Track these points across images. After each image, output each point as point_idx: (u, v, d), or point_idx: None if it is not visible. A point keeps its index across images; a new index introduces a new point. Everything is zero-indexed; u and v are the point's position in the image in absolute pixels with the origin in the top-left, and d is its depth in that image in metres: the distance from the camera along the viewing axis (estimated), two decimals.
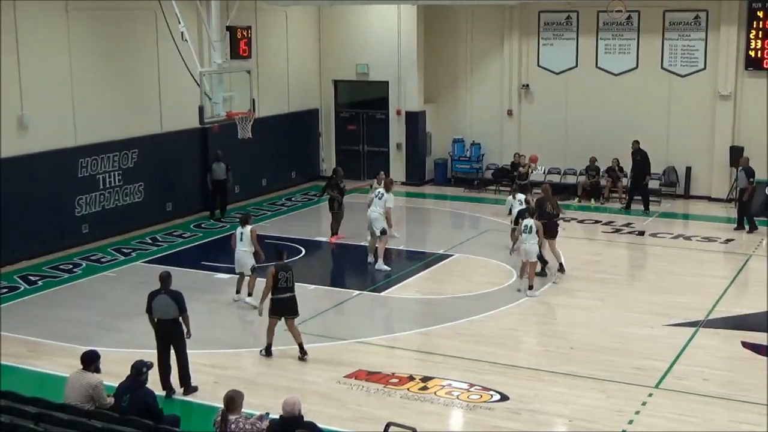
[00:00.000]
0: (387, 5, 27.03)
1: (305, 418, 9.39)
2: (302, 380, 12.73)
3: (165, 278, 12.69)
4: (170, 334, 12.53)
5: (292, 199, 25.96)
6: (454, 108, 28.60)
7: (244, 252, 16.38)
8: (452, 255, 19.87)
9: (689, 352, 14.21)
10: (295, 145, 27.40)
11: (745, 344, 14.54)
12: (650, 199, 24.47)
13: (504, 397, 12.52)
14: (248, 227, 16.43)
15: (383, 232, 18.92)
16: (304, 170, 27.64)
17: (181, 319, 12.47)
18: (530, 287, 16.87)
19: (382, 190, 19.36)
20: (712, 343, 14.70)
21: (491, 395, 12.59)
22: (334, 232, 21.21)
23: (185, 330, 12.54)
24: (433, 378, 13.17)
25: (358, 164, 28.81)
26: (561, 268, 18.42)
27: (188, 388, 12.59)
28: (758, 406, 12.24)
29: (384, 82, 28.07)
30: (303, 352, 13.84)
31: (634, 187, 24.50)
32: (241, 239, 16.41)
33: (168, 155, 22.80)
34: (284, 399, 9.41)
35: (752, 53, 24.85)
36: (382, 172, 21.23)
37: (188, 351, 12.70)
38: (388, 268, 18.83)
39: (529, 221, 17.13)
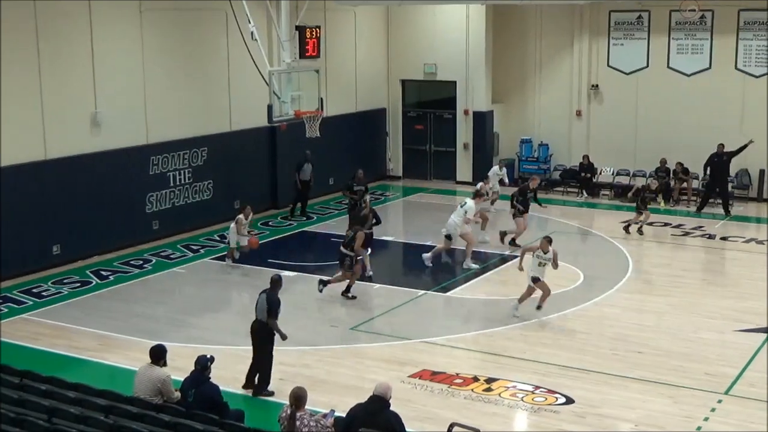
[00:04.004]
0: (455, 5, 26.97)
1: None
2: (367, 378, 12.76)
3: (274, 281, 12.84)
4: (257, 334, 12.66)
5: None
6: (522, 108, 28.42)
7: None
8: (518, 256, 19.70)
9: (760, 358, 13.91)
10: (363, 145, 27.50)
11: None
12: (719, 201, 24.11)
13: (569, 400, 12.41)
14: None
15: (448, 237, 18.99)
16: (371, 169, 27.68)
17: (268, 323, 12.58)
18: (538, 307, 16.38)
19: (468, 199, 19.45)
20: None
21: (556, 398, 12.49)
22: None
23: (278, 335, 12.64)
24: (498, 379, 13.10)
25: (425, 164, 28.81)
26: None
27: (260, 390, 12.66)
28: None
29: (452, 82, 28.01)
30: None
31: (712, 189, 24.11)
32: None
33: (237, 153, 23.07)
34: (379, 381, 9.74)
35: None
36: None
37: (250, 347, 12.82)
38: (476, 266, 18.91)
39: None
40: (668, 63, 26.32)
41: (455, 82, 27.95)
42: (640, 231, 21.70)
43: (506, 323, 15.62)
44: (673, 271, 19.04)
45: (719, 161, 23.93)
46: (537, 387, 12.85)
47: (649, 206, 21.97)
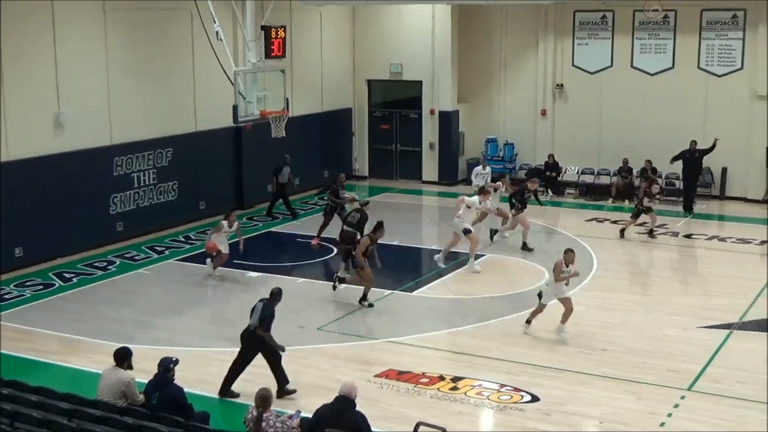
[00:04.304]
0: (421, 5, 27.02)
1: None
2: (333, 378, 12.74)
3: (274, 294, 12.74)
4: (245, 342, 12.53)
5: (325, 198, 25.92)
6: (488, 108, 28.53)
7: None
8: (484, 255, 19.81)
9: (723, 354, 14.08)
10: (329, 145, 27.48)
11: None
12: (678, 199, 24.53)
13: (535, 398, 12.47)
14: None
15: (466, 231, 18.83)
16: (337, 169, 27.49)
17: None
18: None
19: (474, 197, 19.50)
20: (746, 346, 14.55)
21: (522, 396, 12.55)
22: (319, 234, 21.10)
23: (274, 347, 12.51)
24: (464, 378, 13.15)
25: (391, 164, 28.85)
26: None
27: (282, 393, 12.41)
28: None
29: (417, 82, 28.07)
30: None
31: (691, 186, 24.48)
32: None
33: (202, 154, 22.96)
34: (344, 381, 9.78)
35: None
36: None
37: (222, 348, 12.73)
38: (479, 269, 18.79)
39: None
40: (632, 62, 26.54)
41: (421, 81, 28.01)
42: (651, 233, 21.45)
43: (471, 322, 15.68)
44: (637, 269, 19.22)
45: (692, 158, 24.18)
46: (503, 385, 12.91)
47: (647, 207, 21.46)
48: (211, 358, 13.68)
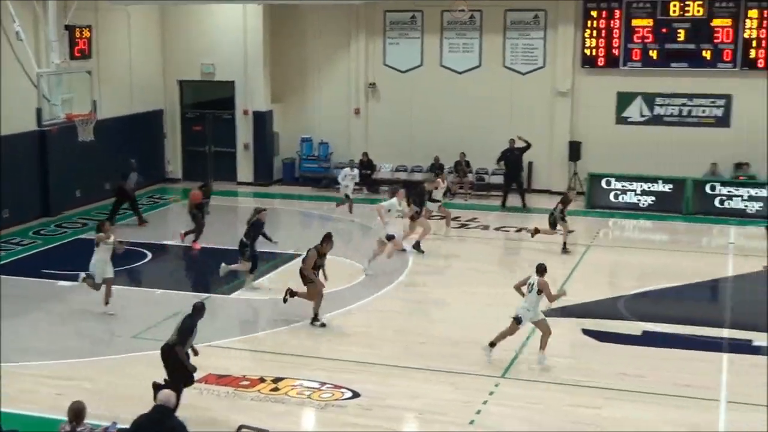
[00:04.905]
0: (232, 5, 26.75)
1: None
2: (150, 387, 12.44)
3: (196, 309, 12.15)
4: (164, 357, 11.94)
5: (137, 201, 25.31)
6: (302, 107, 28.58)
7: None
8: (302, 254, 19.77)
9: (534, 341, 14.63)
10: (139, 147, 26.71)
11: (585, 331, 15.13)
12: (493, 193, 25.21)
13: (356, 394, 12.60)
14: None
15: (389, 237, 18.63)
16: (149, 172, 26.98)
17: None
18: None
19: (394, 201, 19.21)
20: (554, 332, 15.15)
21: (343, 393, 12.65)
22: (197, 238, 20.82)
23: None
24: (285, 378, 13.13)
25: (205, 165, 28.40)
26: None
27: None
28: (596, 389, 12.76)
29: (230, 82, 27.81)
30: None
31: (509, 183, 25.18)
32: None
33: (4, 160, 21.87)
34: (162, 390, 9.61)
35: (587, 51, 25.86)
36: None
37: (28, 363, 12.20)
38: (370, 272, 18.50)
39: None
40: (441, 61, 27.22)
41: (234, 82, 27.76)
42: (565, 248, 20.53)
43: (291, 322, 15.66)
44: (451, 262, 19.70)
45: (512, 156, 25.00)
46: (323, 383, 12.97)
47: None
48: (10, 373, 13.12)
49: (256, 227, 17.67)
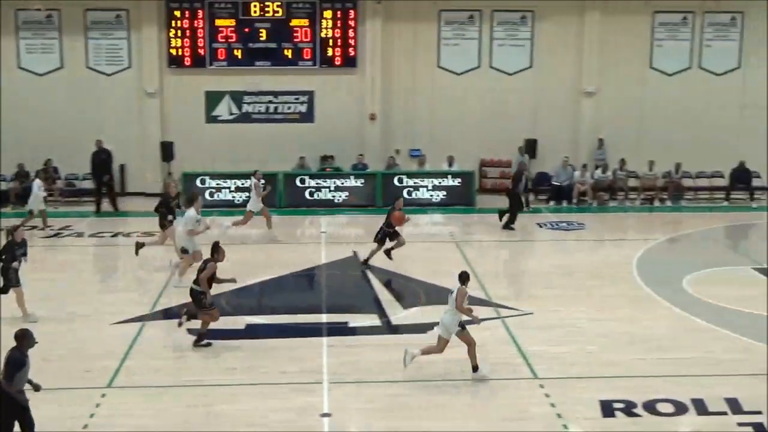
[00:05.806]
0: None
1: None
2: None
3: (17, 337, 10.45)
4: None
5: None
6: None
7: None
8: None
9: (138, 347, 14.36)
10: None
11: (191, 331, 15.13)
12: (85, 199, 24.58)
13: None
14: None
15: (184, 250, 17.25)
16: None
17: None
18: None
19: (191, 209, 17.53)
20: (158, 335, 15.03)
21: None
22: None
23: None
24: None
25: None
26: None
27: None
28: (207, 387, 12.82)
29: None
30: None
31: (100, 187, 24.47)
32: None
33: None
34: None
35: (173, 51, 25.89)
36: None
37: None
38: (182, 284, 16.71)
39: None
40: (19, 64, 25.92)
41: None
42: None
43: None
44: (40, 275, 18.72)
45: (98, 159, 24.41)
46: None
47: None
48: None
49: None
